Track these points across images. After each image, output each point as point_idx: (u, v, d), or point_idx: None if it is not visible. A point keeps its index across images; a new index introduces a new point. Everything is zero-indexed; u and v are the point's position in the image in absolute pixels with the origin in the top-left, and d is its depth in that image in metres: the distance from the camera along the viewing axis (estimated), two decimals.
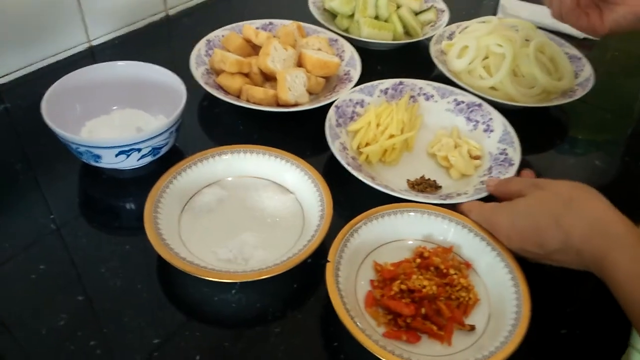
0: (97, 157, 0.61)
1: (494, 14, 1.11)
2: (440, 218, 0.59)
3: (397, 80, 0.79)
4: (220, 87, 0.77)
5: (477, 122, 0.76)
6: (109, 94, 0.71)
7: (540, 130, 0.80)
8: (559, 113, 0.85)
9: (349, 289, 0.53)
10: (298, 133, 0.76)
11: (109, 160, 0.62)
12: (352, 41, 0.89)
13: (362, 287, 0.54)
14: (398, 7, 0.96)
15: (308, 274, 0.54)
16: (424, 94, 0.79)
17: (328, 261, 0.52)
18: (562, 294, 0.58)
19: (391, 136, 0.71)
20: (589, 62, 0.87)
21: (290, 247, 0.57)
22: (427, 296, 0.51)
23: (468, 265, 0.57)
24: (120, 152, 0.61)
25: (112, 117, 0.70)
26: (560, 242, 0.49)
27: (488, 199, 0.61)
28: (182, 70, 0.74)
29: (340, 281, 0.51)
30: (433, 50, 0.88)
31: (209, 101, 0.80)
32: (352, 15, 0.95)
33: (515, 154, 0.68)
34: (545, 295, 0.55)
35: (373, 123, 0.72)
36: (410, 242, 0.59)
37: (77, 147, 0.60)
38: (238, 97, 0.77)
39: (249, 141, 0.66)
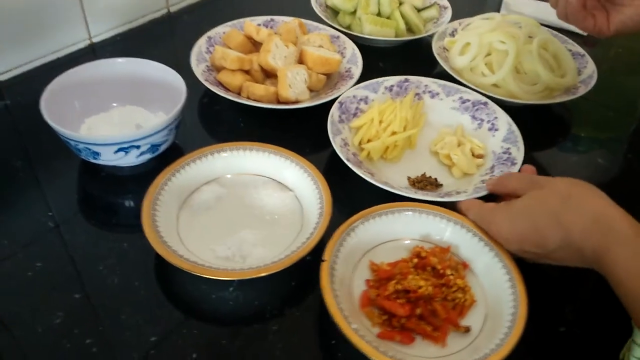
0: (96, 154, 0.61)
1: (497, 10, 1.10)
2: (438, 218, 0.58)
3: (403, 77, 0.78)
4: (220, 84, 0.77)
5: (482, 120, 0.75)
6: (108, 91, 0.70)
7: (542, 128, 0.80)
8: (561, 110, 0.84)
9: (345, 288, 0.52)
10: (298, 130, 0.76)
11: (108, 158, 0.61)
12: (353, 38, 0.88)
13: (358, 286, 0.54)
14: (400, 3, 0.95)
15: (306, 272, 0.54)
16: (430, 92, 0.78)
17: (324, 260, 0.52)
18: (560, 292, 0.58)
19: (393, 133, 0.71)
20: (592, 59, 0.86)
21: (289, 244, 0.57)
22: (423, 296, 0.51)
23: (465, 265, 0.56)
24: (119, 149, 0.60)
25: (112, 114, 0.70)
26: (561, 240, 0.49)
27: (489, 198, 0.60)
28: (183, 67, 0.74)
29: (335, 281, 0.51)
30: (435, 47, 0.87)
31: (210, 98, 0.80)
32: (354, 12, 0.94)
33: (518, 153, 0.67)
34: (543, 293, 0.55)
35: (376, 120, 0.71)
36: (407, 241, 0.58)
37: (76, 144, 0.60)
38: (239, 94, 0.76)
39: (249, 138, 0.66)
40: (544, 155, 0.76)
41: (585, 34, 0.97)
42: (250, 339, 0.51)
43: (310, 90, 0.78)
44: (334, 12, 0.98)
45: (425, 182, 0.67)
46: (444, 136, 0.73)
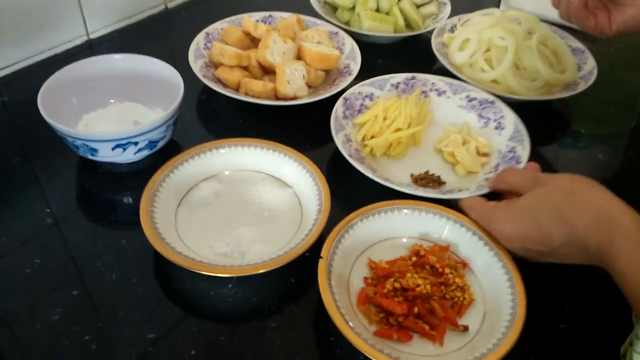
0: (94, 151, 0.61)
1: (497, 6, 1.09)
2: (437, 216, 0.58)
3: (409, 74, 0.78)
4: (218, 81, 0.77)
5: (489, 119, 0.74)
6: (106, 87, 0.70)
7: (542, 124, 0.79)
8: (561, 106, 0.84)
9: (342, 285, 0.52)
10: (297, 127, 0.75)
11: (106, 154, 0.61)
12: (352, 34, 0.88)
13: (356, 284, 0.54)
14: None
15: (305, 269, 0.54)
16: (436, 90, 0.78)
17: (321, 257, 0.51)
18: (559, 290, 0.57)
19: (397, 129, 0.70)
20: (592, 54, 0.86)
21: (288, 241, 0.57)
22: (421, 295, 0.51)
23: (464, 264, 0.56)
24: (117, 146, 0.60)
25: (109, 111, 0.70)
26: (565, 237, 0.48)
27: (491, 196, 0.59)
28: (181, 63, 0.74)
29: (333, 278, 0.51)
30: (434, 43, 0.87)
31: (208, 95, 0.79)
32: (352, 8, 0.94)
33: (524, 152, 0.67)
34: (542, 291, 0.54)
35: (380, 116, 0.71)
36: (406, 239, 0.58)
37: (74, 141, 0.60)
38: (237, 90, 0.76)
39: (248, 135, 0.66)
40: (543, 151, 0.76)
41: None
42: (248, 335, 0.51)
43: (309, 86, 0.78)
44: (333, 8, 0.97)
45: (428, 179, 0.67)
46: (449, 134, 0.72)
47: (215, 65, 0.79)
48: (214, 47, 0.78)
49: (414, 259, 0.55)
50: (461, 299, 0.52)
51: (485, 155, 0.70)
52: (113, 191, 0.65)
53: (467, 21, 0.90)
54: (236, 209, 0.61)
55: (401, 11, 0.93)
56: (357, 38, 0.87)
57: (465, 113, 0.76)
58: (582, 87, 0.79)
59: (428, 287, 0.51)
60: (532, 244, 0.50)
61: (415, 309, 0.50)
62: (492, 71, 0.80)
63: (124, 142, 0.60)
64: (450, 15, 0.95)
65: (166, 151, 0.66)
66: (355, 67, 0.80)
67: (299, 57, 0.80)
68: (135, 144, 0.61)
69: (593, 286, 0.57)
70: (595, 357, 0.51)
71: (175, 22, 0.99)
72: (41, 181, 0.65)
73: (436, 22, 0.94)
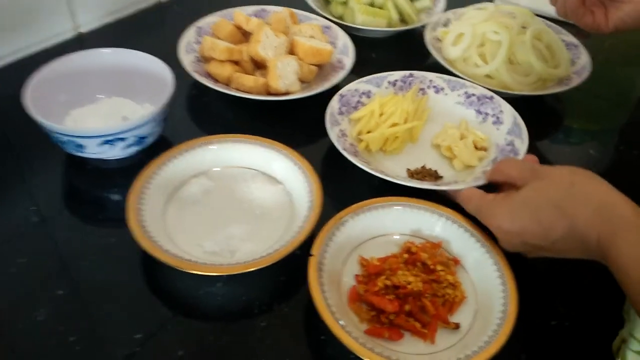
0: (81, 147, 0.60)
1: (491, 0, 1.08)
2: (429, 212, 0.57)
3: (407, 72, 0.77)
4: (209, 75, 0.76)
5: (487, 114, 0.74)
6: (94, 82, 0.69)
7: (535, 119, 0.78)
8: (554, 102, 0.83)
9: (333, 283, 0.51)
10: (289, 122, 0.74)
11: (93, 150, 0.60)
12: (345, 28, 0.87)
13: (347, 282, 0.53)
14: None
15: (296, 267, 0.53)
16: (434, 87, 0.77)
17: (311, 255, 0.51)
18: (550, 286, 0.57)
19: (394, 125, 0.69)
20: (586, 49, 0.85)
21: (278, 238, 0.56)
22: (412, 293, 0.50)
23: (456, 261, 0.55)
24: (104, 142, 0.59)
25: (98, 106, 0.68)
26: (565, 230, 0.47)
27: (488, 188, 0.58)
28: (173, 58, 0.73)
29: (323, 276, 0.50)
30: (428, 37, 0.86)
31: (198, 90, 0.78)
32: (346, 2, 0.93)
33: (522, 145, 0.66)
34: (534, 288, 0.54)
35: (376, 112, 0.70)
36: (398, 236, 0.58)
37: (60, 137, 0.59)
38: (228, 85, 0.75)
39: (239, 130, 0.65)
40: (536, 147, 0.75)
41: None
42: (238, 335, 0.50)
43: (301, 81, 0.77)
44: (326, 1, 0.96)
45: (424, 174, 0.66)
46: (447, 130, 0.72)
47: (206, 59, 0.78)
48: (205, 41, 0.76)
49: (405, 256, 0.54)
50: (453, 296, 0.51)
51: (483, 149, 0.69)
52: (101, 188, 0.64)
53: (461, 15, 0.90)
54: (226, 206, 0.60)
55: (395, 5, 0.93)
56: (351, 32, 0.86)
57: (464, 109, 0.75)
58: (575, 82, 0.79)
59: (419, 284, 0.51)
60: (531, 238, 0.49)
61: (407, 307, 0.50)
62: (486, 66, 0.79)
63: (111, 137, 0.59)
64: (444, 10, 0.94)
65: (155, 147, 0.65)
66: (349, 61, 0.79)
67: (291, 51, 0.79)
68: (123, 139, 0.60)
69: (584, 282, 0.57)
70: (586, 353, 0.51)
71: (167, 15, 0.97)
72: (27, 178, 0.64)
73: (430, 16, 0.93)
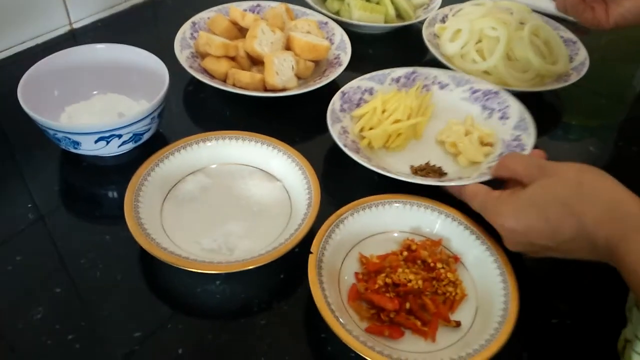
0: (76, 144, 0.59)
1: None
2: (429, 210, 0.57)
3: (411, 69, 0.76)
4: (205, 71, 0.75)
5: (493, 109, 0.72)
6: (89, 78, 0.68)
7: (534, 116, 0.78)
8: (552, 98, 0.83)
9: (333, 281, 0.51)
10: (286, 119, 0.74)
11: (89, 147, 0.59)
12: (342, 24, 0.87)
13: (347, 280, 0.53)
14: None
15: (295, 264, 0.53)
16: (439, 83, 0.76)
17: (311, 253, 0.50)
18: (551, 284, 0.57)
19: (397, 121, 0.68)
20: (584, 46, 0.85)
21: (277, 236, 0.56)
22: (412, 290, 0.50)
23: (456, 258, 0.55)
24: (100, 139, 0.58)
25: (93, 102, 0.68)
26: (573, 230, 0.45)
27: (494, 184, 0.57)
28: (167, 53, 0.72)
29: (323, 273, 0.50)
30: (425, 33, 0.85)
31: (194, 86, 0.78)
32: None
33: (529, 139, 0.65)
34: (535, 286, 0.54)
35: (379, 109, 0.69)
36: (397, 234, 0.57)
37: (55, 133, 0.58)
38: (224, 81, 0.74)
39: (235, 127, 0.64)
40: (535, 144, 0.75)
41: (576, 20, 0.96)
42: (237, 333, 0.50)
43: (298, 77, 0.76)
44: None
45: (428, 170, 0.64)
46: (451, 126, 0.70)
47: (202, 55, 0.77)
48: (201, 37, 0.76)
49: (405, 253, 0.54)
50: (453, 294, 0.51)
51: (489, 145, 0.68)
52: (97, 185, 0.63)
53: (459, 11, 0.89)
54: (224, 204, 0.59)
55: (392, 1, 0.92)
56: (347, 28, 0.86)
57: (469, 105, 0.74)
58: (574, 78, 0.78)
59: (420, 282, 0.50)
60: (537, 237, 0.48)
61: (407, 305, 0.49)
62: (484, 62, 0.79)
63: (107, 134, 0.58)
64: (442, 6, 0.94)
65: (152, 144, 0.64)
66: (346, 57, 0.79)
67: (287, 47, 0.78)
68: (119, 136, 0.59)
69: (585, 280, 0.57)
70: (588, 352, 0.51)
71: (161, 11, 0.96)
72: (23, 175, 0.63)
73: (427, 12, 0.93)
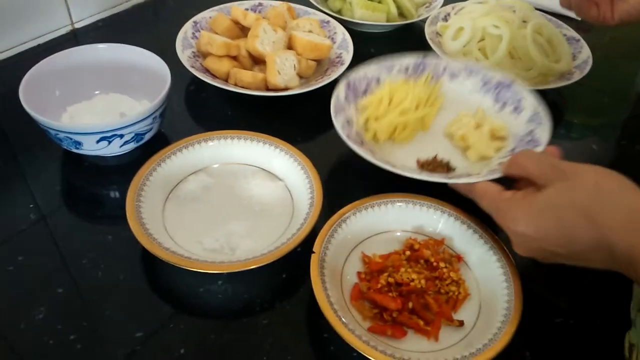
0: (78, 144, 0.59)
1: None
2: (431, 209, 0.57)
3: (420, 56, 0.72)
4: (207, 71, 0.75)
5: (506, 102, 0.69)
6: (90, 78, 0.68)
7: None
8: (555, 96, 0.83)
9: (335, 281, 0.51)
10: (288, 118, 0.74)
11: (90, 147, 0.59)
12: (344, 23, 0.86)
13: (349, 279, 0.52)
14: None
15: (297, 264, 0.52)
16: (450, 73, 0.72)
17: (313, 252, 0.50)
18: (555, 283, 0.57)
19: (404, 112, 0.65)
20: (587, 44, 0.85)
21: (279, 236, 0.56)
22: (415, 290, 0.50)
23: (459, 258, 0.55)
24: (102, 139, 0.58)
25: (95, 102, 0.68)
26: (591, 239, 0.42)
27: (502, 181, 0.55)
28: (169, 53, 0.72)
29: (325, 273, 0.50)
30: (428, 32, 0.85)
31: (196, 85, 0.77)
32: None
33: (543, 134, 0.61)
34: (538, 284, 0.54)
35: (385, 99, 0.66)
36: (400, 233, 0.57)
37: (56, 133, 0.58)
38: (226, 81, 0.74)
39: (237, 126, 0.64)
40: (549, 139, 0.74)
41: (579, 18, 0.96)
42: (239, 333, 0.49)
43: (300, 76, 0.76)
44: None
45: (435, 165, 0.61)
46: (461, 118, 0.67)
47: (204, 55, 0.77)
48: (202, 36, 0.76)
49: (408, 253, 0.53)
50: (456, 293, 0.51)
51: (501, 139, 0.64)
52: (99, 185, 0.63)
53: (461, 9, 0.89)
54: (226, 203, 0.59)
55: None
56: (349, 27, 0.86)
57: (480, 96, 0.71)
58: (577, 76, 0.78)
59: (422, 281, 0.50)
60: (551, 245, 0.45)
61: (410, 304, 0.49)
62: (487, 60, 0.79)
63: (109, 134, 0.58)
64: (444, 4, 0.93)
65: (153, 144, 0.64)
66: (348, 56, 0.79)
67: (289, 46, 0.78)
68: (121, 136, 0.59)
69: (589, 280, 0.57)
70: (591, 351, 0.51)
71: (163, 10, 0.96)
72: (24, 175, 0.63)
73: (429, 11, 0.92)
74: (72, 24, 0.87)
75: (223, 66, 0.74)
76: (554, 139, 0.76)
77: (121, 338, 0.48)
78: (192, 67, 0.73)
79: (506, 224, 0.47)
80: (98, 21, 0.90)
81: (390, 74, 0.71)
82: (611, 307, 0.53)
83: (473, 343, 0.47)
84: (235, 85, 0.73)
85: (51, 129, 0.58)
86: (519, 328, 0.47)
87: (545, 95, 0.82)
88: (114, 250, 0.55)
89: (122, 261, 0.54)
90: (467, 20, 0.82)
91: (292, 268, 0.54)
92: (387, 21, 0.91)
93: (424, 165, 0.62)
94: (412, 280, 0.50)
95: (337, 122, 0.61)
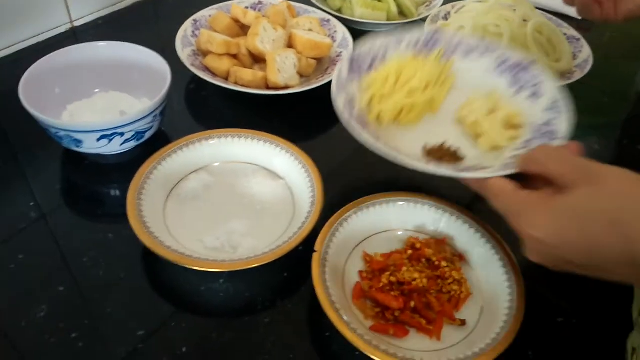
0: (78, 142, 0.59)
1: None
2: (433, 208, 0.57)
3: (432, 30, 0.67)
4: (207, 69, 0.75)
5: (522, 86, 0.62)
6: (90, 76, 0.68)
7: None
8: None
9: (337, 280, 0.51)
10: (288, 117, 0.74)
11: (91, 145, 0.59)
12: (344, 21, 0.86)
13: (351, 278, 0.52)
14: None
15: (298, 263, 0.52)
16: (462, 49, 0.66)
17: (315, 251, 0.50)
18: (557, 282, 0.56)
19: (411, 91, 0.60)
20: (587, 43, 0.85)
21: (280, 234, 0.55)
22: (417, 289, 0.50)
23: (461, 257, 0.55)
24: (102, 137, 0.58)
25: (95, 101, 0.68)
26: (617, 251, 0.38)
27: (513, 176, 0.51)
28: (169, 51, 0.72)
29: (327, 272, 0.49)
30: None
31: (196, 84, 0.77)
32: None
33: (562, 125, 0.54)
34: (540, 283, 0.54)
35: (392, 77, 0.61)
36: (402, 232, 0.57)
37: (57, 132, 0.58)
38: (226, 79, 0.74)
39: (238, 125, 0.64)
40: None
41: (579, 16, 0.96)
42: (241, 332, 0.49)
43: (300, 75, 0.76)
44: None
45: (442, 153, 0.56)
46: (473, 101, 0.61)
47: (204, 53, 0.77)
48: (202, 34, 0.75)
49: (409, 252, 0.53)
50: (458, 292, 0.51)
51: (516, 127, 0.58)
52: (99, 184, 0.63)
53: (462, 8, 0.89)
54: (227, 202, 0.59)
55: None
56: (349, 26, 0.86)
57: (495, 77, 0.64)
58: (577, 75, 0.78)
59: (424, 280, 0.50)
60: (570, 254, 0.41)
61: (412, 304, 0.49)
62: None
63: (109, 132, 0.58)
64: (444, 3, 0.93)
65: (154, 142, 0.64)
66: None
67: (289, 45, 0.78)
68: (122, 134, 0.59)
69: (591, 279, 0.56)
70: (594, 351, 0.51)
71: (163, 8, 0.96)
72: (25, 174, 0.63)
73: (430, 10, 0.92)
74: (72, 21, 0.86)
75: (223, 64, 0.74)
76: None
77: (122, 336, 0.48)
78: (192, 65, 0.73)
79: (523, 229, 0.43)
80: (98, 19, 0.90)
81: (397, 49, 0.65)
82: (614, 307, 0.53)
83: (475, 342, 0.47)
84: (236, 83, 0.73)
85: (51, 127, 0.57)
86: (522, 327, 0.47)
87: None
88: (114, 248, 0.55)
89: (123, 259, 0.54)
90: (468, 19, 0.82)
91: (294, 267, 0.54)
92: (388, 20, 0.91)
93: (430, 153, 0.57)
94: (414, 279, 0.50)
95: (339, 102, 0.56)
